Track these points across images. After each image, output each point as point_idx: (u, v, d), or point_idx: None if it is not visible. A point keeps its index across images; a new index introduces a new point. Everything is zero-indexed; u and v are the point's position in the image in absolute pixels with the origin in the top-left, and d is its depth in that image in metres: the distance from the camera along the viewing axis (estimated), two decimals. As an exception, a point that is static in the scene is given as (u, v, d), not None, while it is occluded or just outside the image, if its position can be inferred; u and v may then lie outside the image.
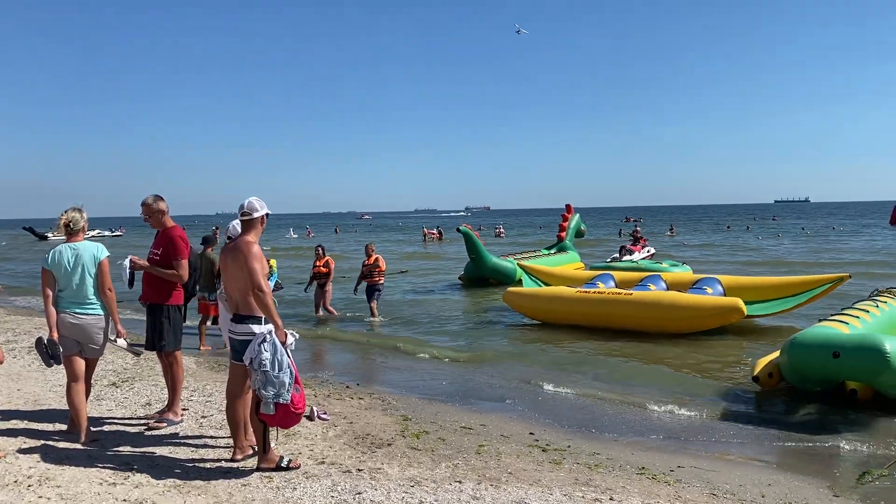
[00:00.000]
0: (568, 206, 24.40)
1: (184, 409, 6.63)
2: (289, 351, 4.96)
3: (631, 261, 20.53)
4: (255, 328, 4.94)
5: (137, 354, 6.59)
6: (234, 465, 5.15)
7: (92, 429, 5.82)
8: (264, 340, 4.86)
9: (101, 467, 5.03)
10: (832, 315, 8.83)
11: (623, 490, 4.97)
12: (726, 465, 5.97)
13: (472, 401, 8.14)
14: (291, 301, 16.59)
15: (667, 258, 21.29)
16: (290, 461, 5.11)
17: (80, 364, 5.69)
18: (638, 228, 30.12)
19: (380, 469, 5.18)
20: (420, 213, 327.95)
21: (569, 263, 22.06)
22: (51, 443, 5.60)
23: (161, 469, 5.05)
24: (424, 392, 8.56)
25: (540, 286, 15.45)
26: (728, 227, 65.08)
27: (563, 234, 23.68)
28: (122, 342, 6.07)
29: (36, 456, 5.24)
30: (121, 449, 5.51)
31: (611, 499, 4.75)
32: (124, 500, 4.45)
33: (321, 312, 14.50)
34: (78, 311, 5.58)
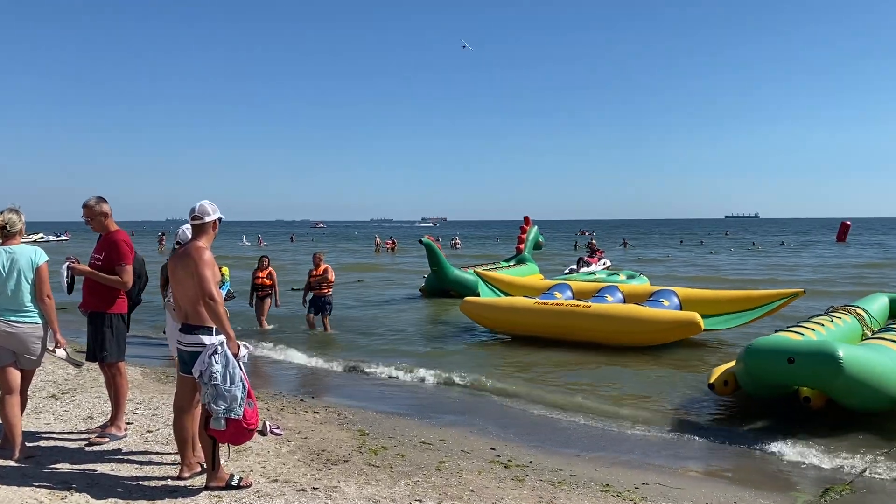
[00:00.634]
0: (526, 219, 24.35)
1: (128, 424, 6.29)
2: (241, 364, 4.71)
3: (590, 272, 20.53)
4: (206, 339, 4.68)
5: (78, 366, 6.23)
6: (181, 483, 4.86)
7: (27, 444, 5.46)
8: (215, 352, 4.60)
9: (36, 486, 4.69)
10: (788, 327, 8.88)
11: (589, 509, 4.82)
12: (691, 481, 5.87)
13: (431, 414, 7.92)
14: (239, 312, 15.42)
15: (624, 270, 21.33)
16: (240, 479, 4.83)
17: (15, 376, 5.33)
18: (594, 241, 30.22)
19: (336, 487, 4.94)
20: (376, 222, 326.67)
21: (529, 275, 22.01)
22: (-19, 460, 5.23)
23: (101, 488, 4.73)
24: (382, 406, 8.30)
25: (498, 295, 15.31)
26: (681, 242, 65.86)
27: (522, 245, 23.61)
28: (61, 352, 5.72)
29: (-36, 475, 4.88)
30: (58, 466, 5.17)
31: (576, 518, 4.60)
32: (60, 523, 4.15)
33: (266, 325, 14.00)
34: (13, 318, 5.22)
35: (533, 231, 24.10)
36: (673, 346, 11.66)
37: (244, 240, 69.58)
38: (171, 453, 5.49)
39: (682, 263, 35.86)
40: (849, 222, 67.72)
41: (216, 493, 4.66)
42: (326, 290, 13.66)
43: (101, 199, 5.86)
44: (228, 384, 4.56)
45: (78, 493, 4.60)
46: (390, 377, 9.96)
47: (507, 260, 23.73)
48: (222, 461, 4.92)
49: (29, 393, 5.77)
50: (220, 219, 4.98)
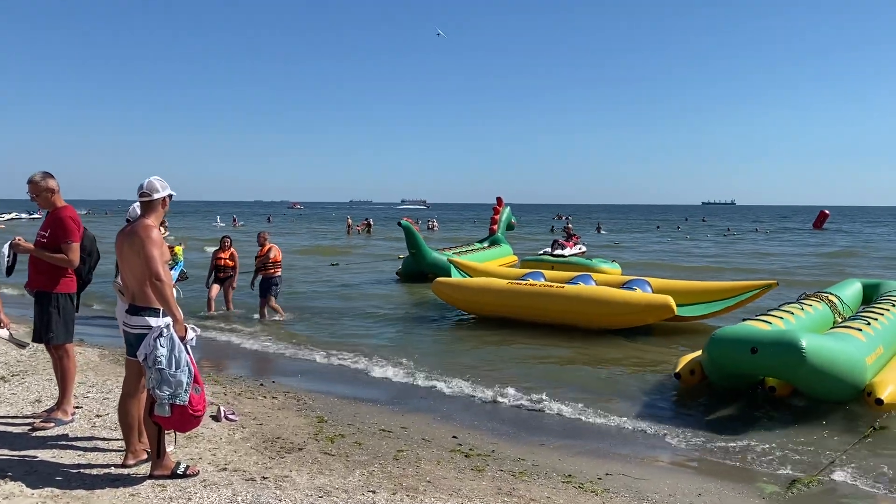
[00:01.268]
0: (499, 199, 24.24)
1: (77, 408, 6.05)
2: (188, 347, 4.49)
3: (562, 255, 20.48)
4: (152, 321, 4.45)
5: (22, 346, 5.97)
6: (125, 471, 4.64)
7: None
8: (161, 335, 4.37)
9: (-33, 475, 4.45)
10: (757, 315, 8.84)
11: (548, 501, 4.68)
12: (655, 471, 5.76)
13: (394, 400, 7.74)
14: (196, 296, 14.39)
15: (598, 257, 21.28)
16: (187, 468, 4.62)
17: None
18: (570, 226, 30.16)
19: (287, 477, 4.74)
20: (356, 204, 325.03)
21: (502, 256, 21.93)
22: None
23: (39, 476, 4.50)
24: (344, 391, 8.10)
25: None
26: (658, 227, 66.07)
27: (496, 227, 23.52)
28: (3, 332, 5.49)
29: None
30: (-3, 453, 4.93)
31: (535, 511, 4.44)
32: (-13, 515, 3.92)
33: (216, 309, 13.43)
34: (-50, 298, 4.96)
35: (505, 212, 24.01)
36: (643, 332, 11.61)
37: (218, 220, 68.74)
38: (117, 439, 5.25)
39: (656, 249, 35.77)
40: (827, 211, 68.26)
41: (160, 482, 4.45)
42: (273, 272, 13.09)
43: (47, 175, 5.59)
44: (174, 368, 4.34)
45: (13, 482, 4.36)
46: (356, 363, 9.71)
47: (481, 241, 23.61)
48: (169, 448, 4.72)
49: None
50: (170, 195, 4.75)
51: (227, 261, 13.45)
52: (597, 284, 13.54)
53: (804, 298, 10.08)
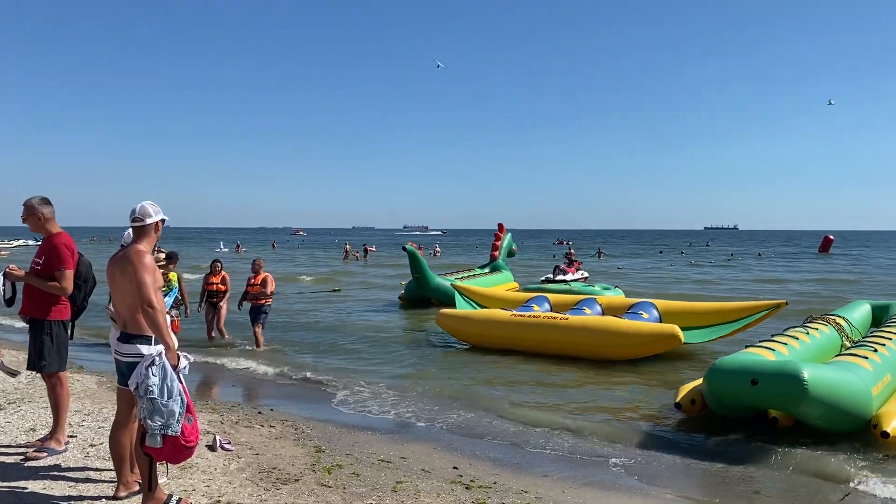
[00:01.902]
0: (500, 226, 24.18)
1: (71, 436, 5.95)
2: (181, 376, 4.39)
3: (564, 282, 20.36)
4: (144, 349, 4.36)
5: (13, 375, 5.87)
6: (116, 503, 4.53)
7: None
8: (153, 363, 4.28)
9: (-46, 508, 4.35)
10: (760, 341, 8.64)
11: (551, 535, 4.53)
12: (661, 504, 5.60)
13: (394, 429, 7.61)
14: (198, 326, 14.09)
15: (599, 282, 21.12)
16: (179, 500, 4.51)
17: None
18: (572, 251, 30.00)
19: (282, 510, 4.62)
20: (358, 230, 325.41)
21: (503, 283, 21.79)
22: None
23: (29, 509, 4.39)
24: (343, 419, 7.97)
25: (474, 307, 15.03)
26: (661, 252, 65.65)
27: (497, 252, 23.45)
28: (-5, 362, 5.38)
29: None
30: (-13, 484, 4.82)
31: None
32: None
33: (214, 334, 13.14)
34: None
35: (507, 238, 23.96)
36: (650, 359, 11.41)
37: (222, 246, 68.80)
38: (110, 469, 5.13)
39: (661, 275, 35.27)
40: (832, 237, 67.92)
41: (151, 515, 4.33)
42: (265, 301, 12.75)
43: (44, 201, 5.53)
44: (165, 398, 4.24)
45: (1, 515, 4.26)
46: (356, 390, 9.54)
47: (482, 267, 23.52)
48: (162, 480, 4.61)
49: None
50: (162, 220, 4.67)
51: (219, 285, 13.12)
52: (602, 308, 13.39)
53: (810, 321, 9.87)
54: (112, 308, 4.82)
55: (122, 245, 5.90)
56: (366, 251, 52.97)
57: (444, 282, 19.46)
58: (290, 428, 7.12)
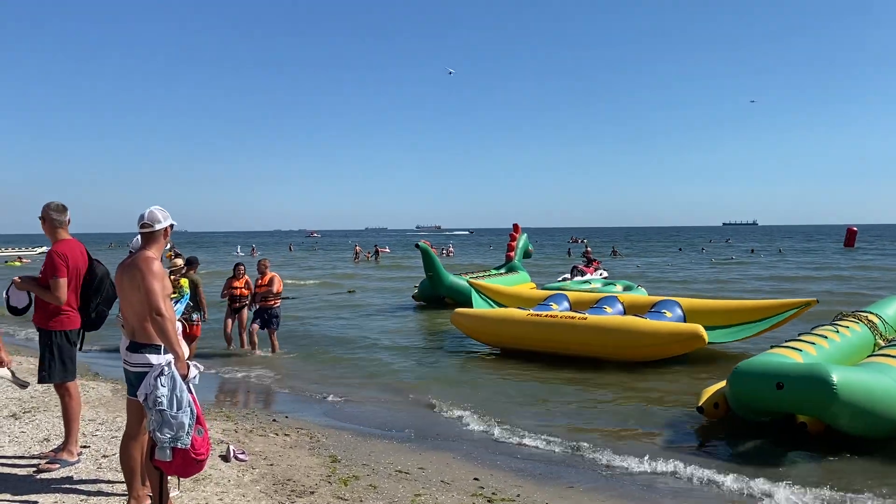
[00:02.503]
0: (515, 226, 23.95)
1: (84, 447, 5.86)
2: (191, 386, 4.24)
3: (584, 281, 20.06)
4: (153, 358, 4.23)
5: (24, 386, 5.77)
6: (127, 517, 4.39)
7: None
8: (161, 373, 4.14)
9: (-36, 521, 4.23)
10: (787, 341, 8.33)
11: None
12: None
13: (412, 438, 7.36)
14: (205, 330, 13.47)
15: (621, 280, 20.73)
16: (191, 514, 4.37)
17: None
18: (589, 249, 29.58)
19: (297, 524, 4.46)
20: (371, 231, 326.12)
21: (520, 283, 21.53)
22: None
23: (38, 522, 4.26)
24: (359, 427, 7.78)
25: (491, 306, 14.79)
26: (680, 249, 64.83)
27: (512, 253, 23.21)
28: (4, 371, 5.29)
29: None
30: (-1, 497, 4.71)
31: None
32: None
33: (233, 346, 12.75)
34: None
35: (522, 238, 23.71)
36: (674, 360, 11.10)
37: (238, 250, 69.27)
38: (123, 482, 5.01)
39: (682, 273, 34.33)
40: (854, 228, 66.86)
41: (163, 530, 4.19)
42: (273, 302, 12.42)
43: (57, 208, 5.44)
44: (175, 409, 4.10)
45: (10, 530, 4.13)
46: (371, 396, 9.37)
47: (498, 268, 23.29)
48: (174, 493, 4.48)
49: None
50: (171, 226, 4.53)
51: (243, 289, 12.72)
52: (624, 307, 13.10)
53: (840, 319, 9.50)
54: (121, 316, 4.70)
55: (130, 251, 5.79)
56: (377, 252, 52.68)
57: (459, 280, 19.26)
58: (305, 436, 6.97)
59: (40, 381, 5.41)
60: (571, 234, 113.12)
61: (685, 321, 12.17)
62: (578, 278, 22.06)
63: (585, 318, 11.85)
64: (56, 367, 5.34)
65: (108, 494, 4.85)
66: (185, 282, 10.26)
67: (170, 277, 8.41)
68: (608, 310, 12.90)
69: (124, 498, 4.70)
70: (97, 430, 6.61)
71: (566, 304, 13.68)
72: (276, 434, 6.98)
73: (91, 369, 10.71)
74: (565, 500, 5.52)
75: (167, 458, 4.10)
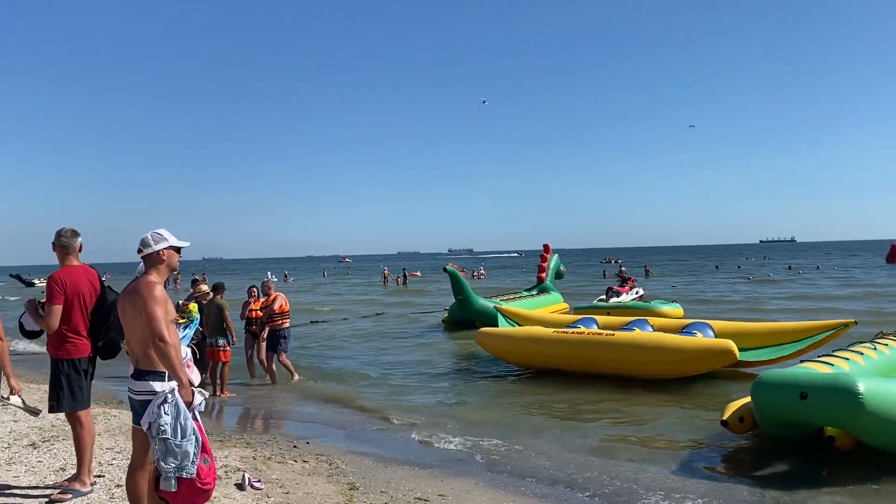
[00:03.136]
0: (546, 247, 23.69)
1: (98, 476, 5.76)
2: (196, 413, 4.11)
3: (619, 302, 19.65)
4: (157, 386, 4.10)
5: (35, 414, 5.70)
6: (134, 550, 4.25)
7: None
8: (165, 401, 4.01)
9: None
10: (819, 356, 8.00)
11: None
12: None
13: (433, 463, 7.10)
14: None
15: (656, 300, 20.31)
16: (199, 547, 4.19)
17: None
18: (624, 269, 29.08)
19: (309, 557, 4.28)
20: (402, 255, 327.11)
21: (553, 304, 21.23)
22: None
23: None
24: (380, 452, 7.53)
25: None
26: (717, 268, 63.79)
27: (544, 274, 22.91)
28: (15, 399, 5.22)
29: None
30: (9, 530, 4.60)
31: None
32: None
33: (261, 367, 12.30)
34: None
35: (553, 259, 23.41)
36: (696, 378, 10.79)
37: (270, 276, 68.48)
38: (134, 513, 4.88)
39: (719, 292, 33.51)
40: None
41: (170, 564, 4.04)
42: (281, 322, 11.92)
43: (71, 233, 5.41)
44: (179, 438, 3.97)
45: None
46: (394, 421, 9.13)
47: (529, 289, 23.00)
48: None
49: (9, 441, 5.27)
50: (171, 247, 4.39)
51: (258, 312, 12.17)
52: (654, 330, 12.81)
53: (880, 337, 9.15)
54: (126, 344, 4.60)
55: (135, 277, 5.72)
56: (405, 276, 52.45)
57: (489, 304, 19.01)
58: (324, 463, 6.78)
59: (50, 410, 5.35)
60: (605, 255, 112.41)
61: None
62: (615, 300, 21.61)
63: (613, 335, 11.62)
64: (65, 396, 5.26)
65: (118, 526, 4.72)
66: (194, 307, 10.18)
67: (181, 303, 8.38)
68: (637, 331, 12.61)
69: (134, 529, 4.55)
70: (114, 458, 6.52)
71: (595, 327, 13.41)
72: (295, 461, 6.80)
73: (116, 397, 10.68)
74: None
75: (172, 487, 3.97)
